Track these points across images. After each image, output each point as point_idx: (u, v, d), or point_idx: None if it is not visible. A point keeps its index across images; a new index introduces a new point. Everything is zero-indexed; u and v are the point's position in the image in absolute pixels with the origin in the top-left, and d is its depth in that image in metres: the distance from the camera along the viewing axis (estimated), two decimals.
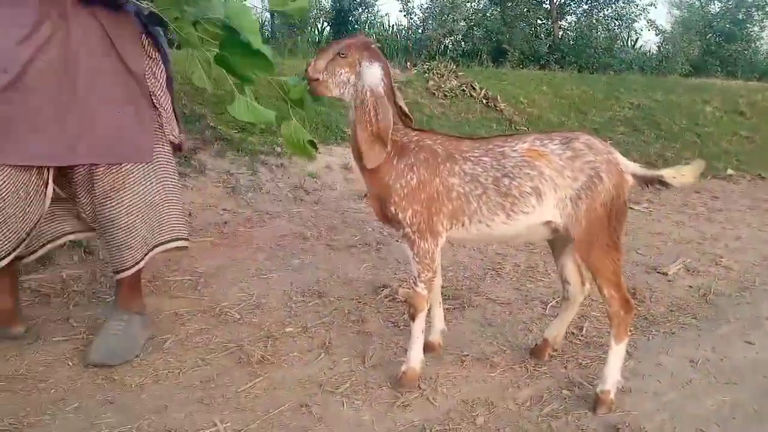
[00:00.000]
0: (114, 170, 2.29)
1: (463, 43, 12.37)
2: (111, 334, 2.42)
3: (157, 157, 2.40)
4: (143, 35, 2.34)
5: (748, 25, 15.51)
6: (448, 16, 11.52)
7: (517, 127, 6.84)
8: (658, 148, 7.33)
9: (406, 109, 2.27)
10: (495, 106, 7.10)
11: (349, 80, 2.16)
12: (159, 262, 3.26)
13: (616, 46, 13.87)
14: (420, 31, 12.30)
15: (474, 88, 7.23)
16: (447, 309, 3.00)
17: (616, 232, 2.13)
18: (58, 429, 1.97)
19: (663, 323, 3.02)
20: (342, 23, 12.70)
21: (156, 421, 2.04)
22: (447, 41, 12.22)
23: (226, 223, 3.91)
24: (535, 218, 2.14)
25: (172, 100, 2.50)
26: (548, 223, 2.15)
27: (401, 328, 2.81)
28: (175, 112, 2.52)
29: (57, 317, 2.68)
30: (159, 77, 2.40)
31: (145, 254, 2.44)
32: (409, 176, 2.14)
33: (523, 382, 2.41)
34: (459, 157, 2.15)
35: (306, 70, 2.21)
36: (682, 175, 2.15)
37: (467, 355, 2.58)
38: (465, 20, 12.25)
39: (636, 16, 13.92)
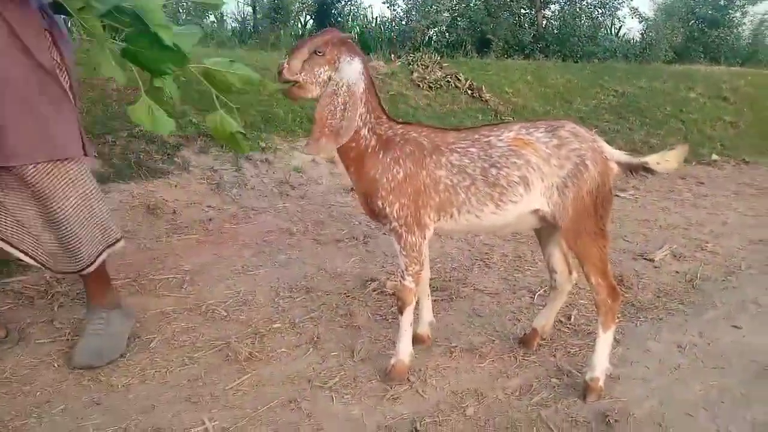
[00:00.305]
0: (49, 168, 2.17)
1: (447, 34, 12.31)
2: (93, 335, 2.39)
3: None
4: (47, 31, 2.17)
5: (730, 11, 15.54)
6: (431, 7, 11.47)
7: (503, 117, 6.84)
8: (643, 135, 7.36)
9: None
10: (480, 96, 7.09)
11: (329, 79, 2.11)
12: (143, 261, 3.23)
13: (599, 34, 13.86)
14: (403, 22, 12.24)
15: (459, 79, 7.20)
16: (435, 300, 3.00)
17: (602, 219, 2.13)
18: (45, 431, 1.95)
19: (650, 309, 3.03)
20: (325, 15, 12.61)
21: (143, 421, 2.02)
22: (431, 32, 12.17)
23: (211, 220, 3.88)
24: (523, 207, 2.13)
25: (76, 103, 2.34)
26: (536, 211, 2.15)
27: (390, 321, 2.80)
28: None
29: (41, 319, 2.65)
30: (64, 78, 2.25)
31: (105, 248, 2.37)
32: (395, 170, 2.13)
33: (512, 371, 2.41)
34: (445, 148, 2.14)
35: (280, 72, 2.13)
36: (666, 160, 2.15)
37: (456, 346, 2.58)
38: (448, 11, 12.20)
39: (619, 3, 13.90)
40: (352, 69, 2.09)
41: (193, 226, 3.71)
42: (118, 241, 2.44)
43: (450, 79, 7.17)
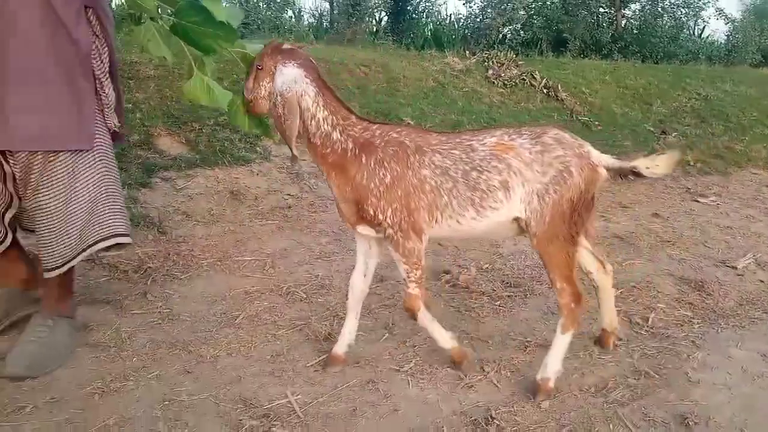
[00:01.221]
0: (51, 158, 2.09)
1: (522, 32, 12.19)
2: (31, 341, 2.20)
3: (97, 146, 2.20)
4: (89, 9, 2.09)
5: None
6: (507, 4, 11.39)
7: (579, 118, 6.73)
8: (726, 140, 7.07)
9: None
10: (556, 95, 6.99)
11: (272, 91, 2.03)
12: (228, 243, 3.38)
13: (682, 35, 13.41)
14: (478, 19, 12.19)
15: (534, 78, 7.13)
16: (509, 296, 3.03)
17: (576, 226, 2.09)
18: (142, 394, 2.10)
19: (732, 317, 2.95)
20: (399, 12, 12.71)
21: (231, 390, 2.15)
22: (506, 30, 12.08)
23: (290, 207, 4.01)
24: (503, 214, 2.09)
25: (116, 86, 2.28)
26: (516, 219, 2.11)
27: (463, 313, 2.84)
28: (119, 100, 2.33)
29: (135, 292, 2.82)
30: (104, 60, 2.17)
31: (78, 254, 2.23)
32: (381, 173, 2.04)
33: (588, 369, 2.41)
34: (428, 149, 2.08)
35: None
36: (656, 165, 2.09)
37: (530, 341, 2.59)
38: (525, 9, 12.07)
39: (704, 3, 13.41)
40: (285, 76, 2.00)
41: (274, 212, 3.85)
42: (97, 242, 2.27)
43: (525, 77, 7.10)
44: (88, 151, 2.17)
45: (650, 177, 2.13)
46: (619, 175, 2.13)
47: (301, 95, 2.02)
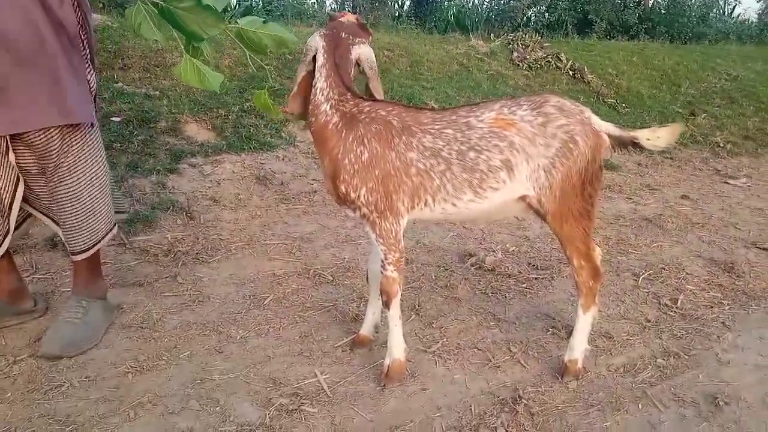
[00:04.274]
0: (68, 133, 2.09)
1: (547, 13, 11.98)
2: (66, 323, 2.25)
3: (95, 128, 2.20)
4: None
5: None
6: None
7: (606, 100, 6.64)
8: (757, 121, 6.92)
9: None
10: (582, 77, 6.91)
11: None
12: (255, 227, 3.42)
13: (711, 14, 13.09)
14: (502, 1, 12.03)
15: (560, 60, 7.05)
16: (536, 279, 3.02)
17: (590, 198, 2.02)
18: (174, 373, 2.14)
19: (763, 299, 2.91)
20: None
21: (261, 370, 2.18)
22: (530, 12, 11.90)
23: (315, 192, 4.03)
24: (507, 194, 2.00)
25: (94, 73, 2.25)
26: (523, 197, 2.03)
27: (489, 295, 2.84)
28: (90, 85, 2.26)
29: (165, 275, 2.87)
30: (85, 46, 2.17)
31: (106, 234, 2.28)
32: (359, 150, 1.96)
33: (616, 350, 2.40)
34: (417, 129, 1.98)
35: None
36: (657, 137, 2.01)
37: (557, 323, 2.59)
38: None
39: None
40: (310, 42, 2.07)
41: (299, 197, 3.88)
42: (111, 229, 2.35)
43: (551, 60, 7.03)
44: (94, 127, 2.17)
45: (650, 149, 2.05)
46: (619, 144, 2.06)
47: (311, 60, 2.06)
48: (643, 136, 2.02)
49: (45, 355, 2.17)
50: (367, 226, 2.04)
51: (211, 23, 1.88)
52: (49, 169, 2.12)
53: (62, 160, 2.12)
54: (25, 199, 2.25)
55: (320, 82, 2.02)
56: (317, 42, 2.04)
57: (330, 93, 2.02)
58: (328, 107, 2.01)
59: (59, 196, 2.17)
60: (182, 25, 1.88)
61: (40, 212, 2.33)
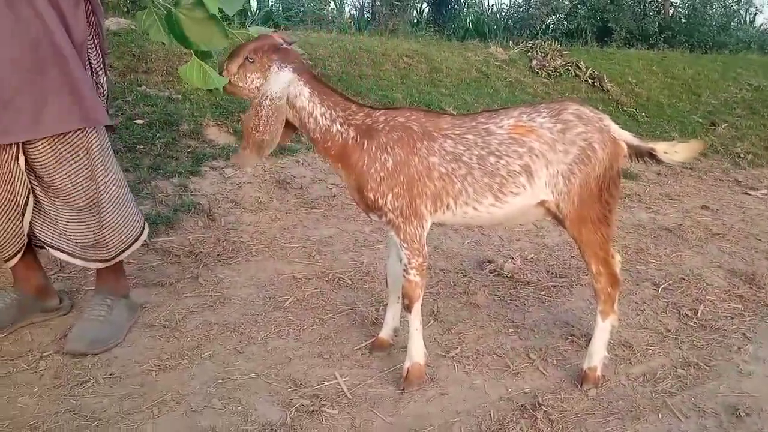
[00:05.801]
0: (70, 139, 2.07)
1: (566, 21, 11.98)
2: (92, 320, 2.30)
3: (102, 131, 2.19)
4: (87, 2, 2.09)
5: None
6: None
7: (625, 109, 6.61)
8: None
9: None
10: (601, 86, 6.88)
11: (261, 86, 2.00)
12: (275, 230, 3.46)
13: (732, 23, 12.99)
14: (522, 9, 12.04)
15: (579, 68, 7.03)
16: (554, 286, 3.02)
17: (608, 205, 2.03)
18: (196, 372, 2.17)
19: None
20: (441, 3, 12.61)
21: (282, 371, 2.21)
22: (549, 20, 11.89)
23: (334, 196, 4.06)
24: (527, 199, 2.03)
25: (106, 78, 2.28)
26: (542, 203, 2.05)
27: (508, 302, 2.84)
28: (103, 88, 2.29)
29: (187, 276, 2.91)
30: (98, 51, 2.20)
31: (137, 237, 2.34)
32: (383, 158, 1.98)
33: (636, 359, 2.39)
34: (438, 134, 2.00)
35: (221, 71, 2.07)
36: (675, 152, 2.02)
37: (576, 331, 2.59)
38: None
39: None
40: (279, 81, 1.97)
41: (319, 201, 3.91)
42: (143, 231, 2.39)
43: (570, 68, 7.01)
44: (97, 132, 2.14)
45: (667, 162, 2.06)
46: (637, 154, 2.07)
47: (296, 96, 2.01)
48: (661, 148, 2.04)
49: (71, 352, 2.21)
50: (392, 230, 2.07)
51: (218, 39, 1.94)
52: (47, 176, 2.10)
53: (72, 164, 2.10)
54: (31, 232, 2.26)
55: (318, 110, 2.02)
56: (287, 78, 1.98)
57: (333, 113, 2.02)
58: (338, 126, 2.02)
59: (79, 210, 2.17)
60: (186, 38, 1.93)
61: (47, 243, 2.29)
